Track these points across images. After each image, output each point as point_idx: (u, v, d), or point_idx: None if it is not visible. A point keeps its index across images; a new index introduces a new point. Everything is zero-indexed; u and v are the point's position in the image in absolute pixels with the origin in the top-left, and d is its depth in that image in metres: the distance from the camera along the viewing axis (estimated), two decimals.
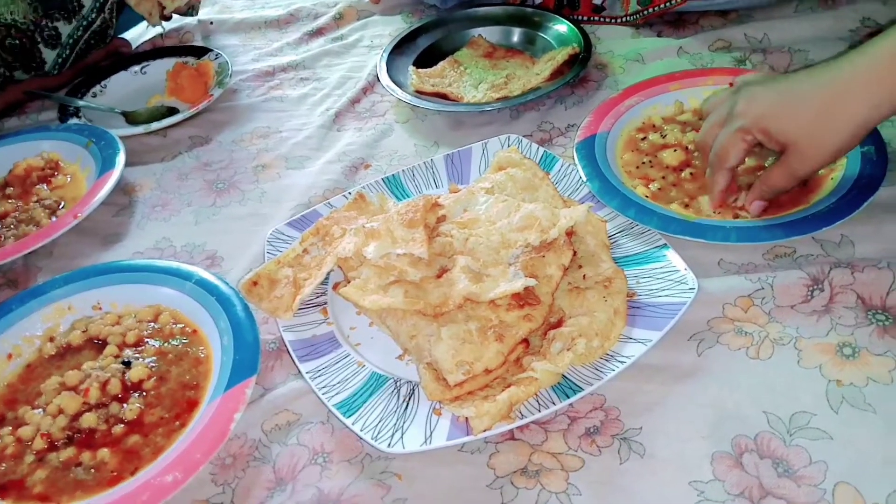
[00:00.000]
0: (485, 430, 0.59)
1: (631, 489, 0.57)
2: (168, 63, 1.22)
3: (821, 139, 0.67)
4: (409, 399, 0.64)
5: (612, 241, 0.76)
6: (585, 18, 1.18)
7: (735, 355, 0.65)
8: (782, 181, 0.72)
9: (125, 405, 0.67)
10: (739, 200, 0.77)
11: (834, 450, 0.57)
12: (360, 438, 0.62)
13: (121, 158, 0.98)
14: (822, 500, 0.54)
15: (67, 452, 0.64)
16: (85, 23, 1.19)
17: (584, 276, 0.71)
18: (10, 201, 0.99)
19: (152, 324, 0.75)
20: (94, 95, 1.20)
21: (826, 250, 0.72)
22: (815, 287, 0.69)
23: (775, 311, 0.68)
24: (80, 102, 1.16)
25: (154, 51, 1.29)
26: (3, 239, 0.92)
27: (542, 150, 0.88)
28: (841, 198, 0.73)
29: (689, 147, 0.86)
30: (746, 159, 0.77)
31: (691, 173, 0.83)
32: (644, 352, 0.64)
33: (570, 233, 0.73)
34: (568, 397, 0.62)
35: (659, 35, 1.12)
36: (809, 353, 0.64)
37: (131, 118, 1.13)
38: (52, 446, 0.65)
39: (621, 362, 0.63)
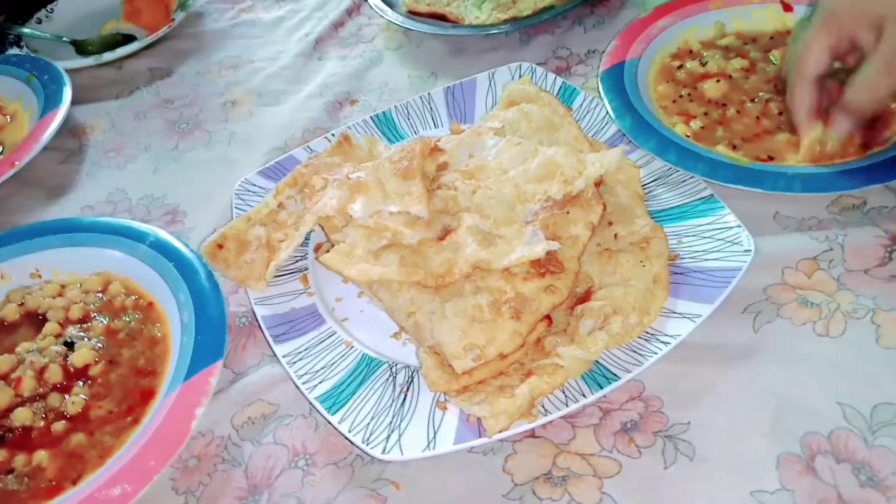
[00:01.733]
0: (501, 431, 0.48)
1: (679, 501, 0.47)
2: None
3: None
4: (408, 389, 0.53)
5: (647, 191, 0.64)
6: None
7: (799, 332, 0.55)
8: (878, 81, 0.58)
9: (67, 396, 0.56)
10: (831, 142, 0.63)
11: None
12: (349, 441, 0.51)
13: (67, 94, 0.86)
14: None
15: None
16: None
17: (615, 235, 0.60)
18: None
19: (100, 295, 0.63)
20: (39, 21, 1.06)
21: None
22: (894, 246, 0.57)
23: (846, 276, 0.57)
24: (23, 29, 1.02)
25: None
26: None
27: (559, 80, 0.76)
28: None
29: (735, 77, 0.73)
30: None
31: (738, 110, 0.70)
32: (691, 329, 0.53)
33: (598, 183, 0.60)
34: (601, 387, 0.51)
35: None
36: (891, 328, 0.54)
37: (82, 48, 0.99)
38: None
39: (664, 343, 0.53)
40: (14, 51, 0.98)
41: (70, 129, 0.87)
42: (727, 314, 0.56)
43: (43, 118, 0.83)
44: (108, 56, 0.94)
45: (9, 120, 0.89)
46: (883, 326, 0.53)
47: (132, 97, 0.91)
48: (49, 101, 0.85)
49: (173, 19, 0.98)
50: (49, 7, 1.06)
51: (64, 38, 1.00)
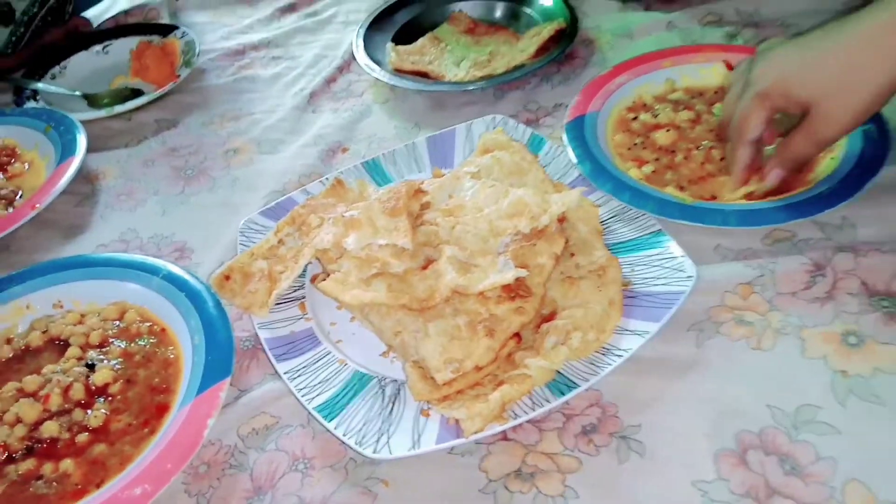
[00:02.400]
0: (476, 432, 0.56)
1: (631, 491, 0.54)
2: (131, 42, 1.15)
3: (846, 96, 0.63)
4: (395, 400, 0.60)
5: (605, 226, 0.72)
6: None
7: (736, 346, 0.62)
8: (805, 147, 0.67)
9: (89, 411, 0.63)
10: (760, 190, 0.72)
11: (842, 445, 0.54)
12: (344, 444, 0.58)
13: (82, 144, 0.93)
14: (831, 499, 0.51)
15: (27, 464, 0.60)
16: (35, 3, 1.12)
17: (576, 265, 0.68)
18: None
19: (117, 323, 0.70)
20: (53, 77, 1.13)
21: (827, 234, 0.69)
22: (818, 273, 0.66)
23: (777, 298, 0.65)
24: (38, 85, 1.09)
25: (116, 29, 1.22)
26: None
27: (529, 130, 0.84)
28: (842, 179, 0.70)
29: (682, 127, 0.82)
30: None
31: (685, 156, 0.79)
32: (641, 344, 0.60)
33: (561, 219, 0.69)
34: (563, 394, 0.58)
35: (647, 9, 1.08)
36: (813, 342, 0.61)
37: (93, 101, 1.06)
38: (10, 458, 0.60)
39: (618, 356, 0.60)
40: (31, 104, 1.06)
41: (84, 175, 0.94)
42: (674, 332, 0.63)
43: (60, 165, 0.90)
44: (118, 108, 1.02)
45: (27, 168, 0.96)
46: (807, 341, 0.61)
47: (141, 146, 0.99)
48: (66, 150, 0.92)
49: (179, 75, 1.06)
50: (62, 64, 1.14)
51: (76, 93, 1.08)
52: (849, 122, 0.65)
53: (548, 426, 0.59)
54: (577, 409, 0.60)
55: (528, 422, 0.59)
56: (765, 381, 0.59)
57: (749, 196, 0.72)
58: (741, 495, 0.53)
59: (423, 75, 1.01)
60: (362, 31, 1.08)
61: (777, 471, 0.54)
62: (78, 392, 0.64)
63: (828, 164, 0.74)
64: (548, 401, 0.58)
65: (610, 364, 0.59)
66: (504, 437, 0.59)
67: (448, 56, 1.05)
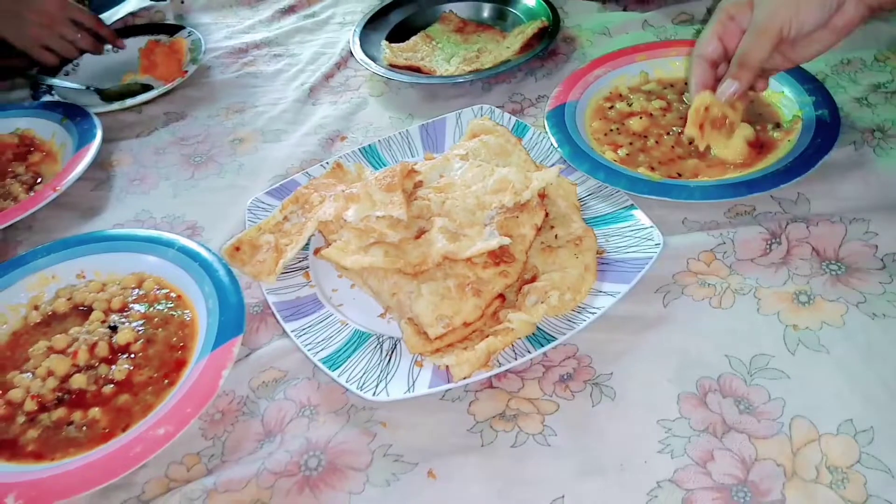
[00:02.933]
0: (465, 378, 0.62)
1: (603, 429, 0.61)
2: (140, 41, 1.22)
3: None
4: (392, 353, 0.67)
5: (582, 203, 0.79)
6: None
7: (699, 305, 0.69)
8: (754, 45, 0.73)
9: (113, 367, 0.69)
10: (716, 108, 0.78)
11: (791, 387, 0.61)
12: (346, 390, 0.64)
13: (98, 132, 0.99)
14: (780, 433, 0.58)
15: (58, 413, 0.66)
16: None
17: (555, 235, 0.75)
18: None
19: (136, 290, 0.76)
20: (67, 74, 1.20)
21: (783, 207, 0.76)
22: (774, 241, 0.73)
23: (736, 264, 0.72)
24: (54, 80, 1.15)
25: (126, 29, 1.29)
26: None
27: (513, 119, 0.91)
28: (796, 158, 0.78)
29: (654, 114, 0.90)
30: None
31: (656, 140, 0.86)
32: (613, 303, 0.67)
33: (542, 195, 0.76)
34: (542, 346, 0.65)
35: (625, 9, 1.16)
36: (768, 301, 0.68)
37: (105, 95, 1.13)
38: (43, 407, 0.66)
39: (592, 313, 0.67)
40: (47, 98, 1.12)
41: (99, 163, 1.00)
42: (643, 293, 0.70)
43: (77, 152, 0.97)
44: (130, 101, 1.09)
45: (44, 156, 1.02)
46: (762, 300, 0.68)
47: (151, 136, 1.05)
48: (82, 139, 0.99)
49: (186, 71, 1.13)
50: (75, 61, 1.21)
51: (90, 87, 1.14)
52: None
53: (529, 375, 0.66)
54: (556, 361, 0.66)
55: (511, 371, 0.65)
56: (724, 334, 0.66)
57: (698, 123, 0.79)
58: (701, 431, 0.59)
59: (416, 70, 1.08)
60: (358, 30, 1.15)
61: (733, 410, 0.60)
62: (103, 349, 0.70)
63: (785, 145, 0.81)
64: (529, 352, 0.65)
65: (585, 320, 0.66)
66: (489, 384, 0.65)
67: (439, 53, 1.12)
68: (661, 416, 0.61)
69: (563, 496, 0.57)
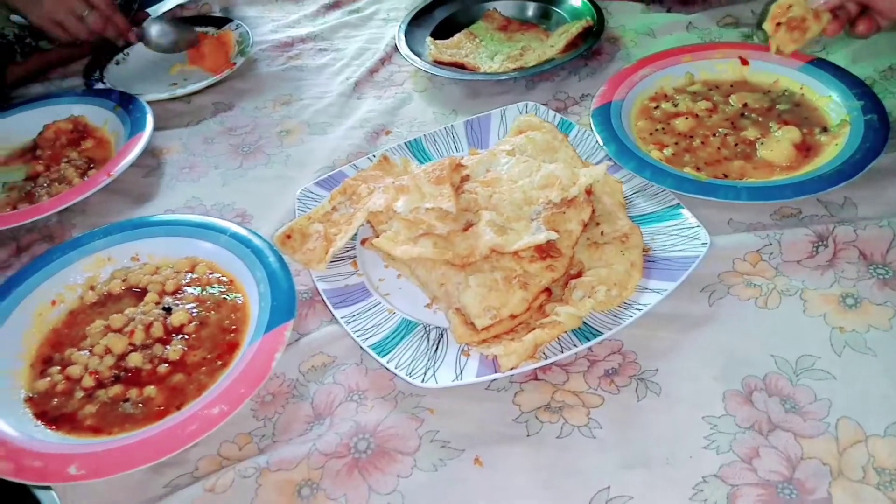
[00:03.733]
0: (512, 369, 0.63)
1: (648, 423, 0.62)
2: (192, 32, 1.24)
3: None
4: (439, 342, 0.68)
5: (627, 201, 0.80)
6: None
7: (745, 305, 0.69)
8: None
9: (168, 347, 0.71)
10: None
11: (837, 388, 0.61)
12: (395, 376, 0.66)
13: (150, 120, 1.02)
14: (826, 433, 0.59)
15: (115, 389, 0.68)
16: None
17: (601, 232, 0.75)
18: (40, 163, 1.02)
19: (189, 274, 0.78)
20: (117, 63, 1.23)
21: (830, 211, 0.77)
22: (820, 244, 0.73)
23: (782, 265, 0.72)
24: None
25: (179, 20, 1.31)
26: (37, 197, 0.95)
27: (558, 116, 0.92)
28: (844, 162, 0.78)
29: (700, 115, 0.90)
30: None
31: (702, 141, 0.87)
32: (659, 300, 0.68)
33: (588, 191, 0.77)
34: (588, 340, 0.66)
35: (669, 11, 1.16)
36: (814, 303, 0.68)
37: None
38: (100, 384, 0.69)
39: (638, 310, 0.68)
40: (99, 86, 1.15)
41: (149, 150, 1.02)
42: (689, 292, 0.71)
43: (130, 140, 1.00)
44: (179, 91, 1.12)
45: (97, 142, 1.05)
46: (808, 301, 0.69)
47: (200, 125, 1.08)
48: (135, 126, 1.01)
49: (234, 63, 1.16)
50: (125, 51, 1.24)
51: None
52: None
53: (574, 369, 0.67)
54: (601, 356, 0.67)
55: (557, 365, 0.66)
56: (770, 335, 0.66)
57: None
58: (746, 428, 0.60)
59: (460, 66, 1.09)
60: (404, 26, 1.16)
61: (779, 409, 0.61)
62: (157, 330, 0.72)
63: (832, 149, 0.81)
64: (575, 346, 0.66)
65: (631, 316, 0.67)
66: (535, 376, 0.66)
67: (483, 50, 1.13)
68: (707, 412, 0.61)
69: (608, 487, 0.58)
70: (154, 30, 1.17)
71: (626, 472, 0.58)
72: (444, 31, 1.18)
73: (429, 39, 1.15)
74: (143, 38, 1.17)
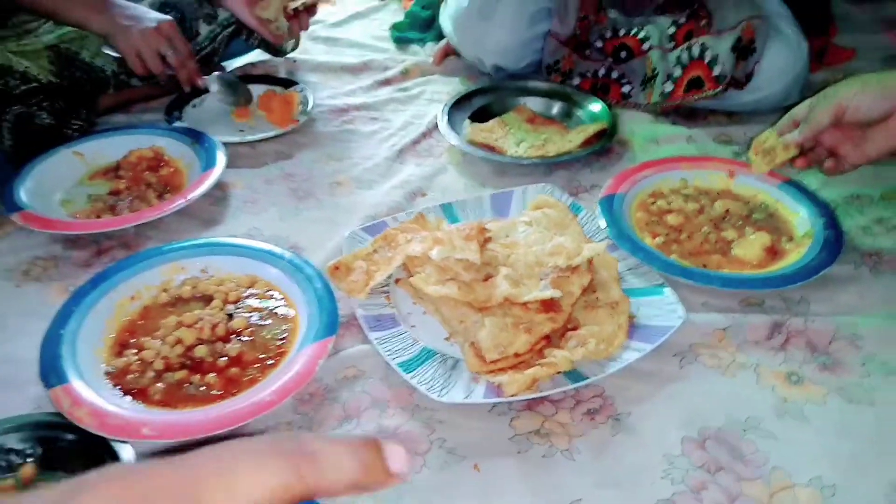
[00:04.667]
0: (513, 396, 0.77)
1: (619, 454, 0.75)
2: (260, 89, 1.43)
3: None
4: (454, 369, 0.82)
5: (621, 276, 0.96)
6: (614, 102, 1.41)
7: (708, 371, 0.84)
8: (817, 108, 0.91)
9: (228, 345, 0.85)
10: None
11: (775, 445, 0.75)
12: (415, 391, 0.80)
13: (221, 157, 1.18)
14: (761, 478, 0.72)
15: (181, 374, 0.81)
16: (197, 48, 1.41)
17: (597, 297, 0.91)
18: (122, 182, 1.18)
19: (250, 289, 0.93)
20: (194, 106, 1.41)
21: (788, 305, 0.92)
22: (776, 330, 0.88)
23: (743, 344, 0.87)
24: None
25: (250, 77, 1.51)
26: (118, 210, 1.11)
27: (571, 199, 1.08)
28: (803, 266, 0.94)
29: (689, 215, 1.07)
30: None
31: (688, 235, 1.03)
32: (638, 357, 0.82)
33: (590, 263, 0.92)
34: (576, 382, 0.80)
35: (673, 123, 1.35)
36: (766, 376, 0.83)
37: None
38: (168, 367, 0.82)
39: (620, 363, 0.82)
40: (178, 123, 1.33)
41: (218, 185, 1.19)
42: (663, 355, 0.85)
43: (203, 173, 1.16)
44: (248, 137, 1.29)
45: (172, 171, 1.22)
46: (761, 375, 0.83)
47: (263, 168, 1.24)
48: (209, 161, 1.18)
49: (297, 120, 1.34)
50: (202, 97, 1.43)
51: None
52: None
53: (562, 405, 0.80)
54: (585, 397, 0.81)
55: (548, 399, 0.80)
56: (726, 397, 0.81)
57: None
58: (698, 467, 0.73)
59: (490, 148, 1.27)
60: (447, 108, 1.35)
61: (726, 456, 0.74)
62: (221, 330, 0.86)
63: (795, 255, 0.97)
64: (565, 385, 0.80)
65: (613, 367, 0.81)
66: (529, 406, 0.80)
67: (511, 137, 1.31)
68: (667, 451, 0.75)
69: (580, 499, 0.71)
70: (214, 85, 1.36)
71: (597, 490, 0.72)
72: (480, 117, 1.37)
73: (467, 121, 1.34)
74: (208, 88, 1.35)
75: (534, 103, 1.41)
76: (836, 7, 1.72)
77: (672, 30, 1.37)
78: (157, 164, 1.23)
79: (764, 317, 0.90)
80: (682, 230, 1.04)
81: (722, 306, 0.93)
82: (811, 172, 1.15)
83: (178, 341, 0.84)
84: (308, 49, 1.69)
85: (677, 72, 1.33)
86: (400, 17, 1.82)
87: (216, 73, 1.40)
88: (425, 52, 1.68)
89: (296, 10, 1.37)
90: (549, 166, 1.23)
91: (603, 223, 1.03)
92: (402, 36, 1.76)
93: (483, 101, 1.41)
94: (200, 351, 0.84)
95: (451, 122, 1.33)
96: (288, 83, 1.46)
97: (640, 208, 1.09)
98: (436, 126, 1.33)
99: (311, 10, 1.42)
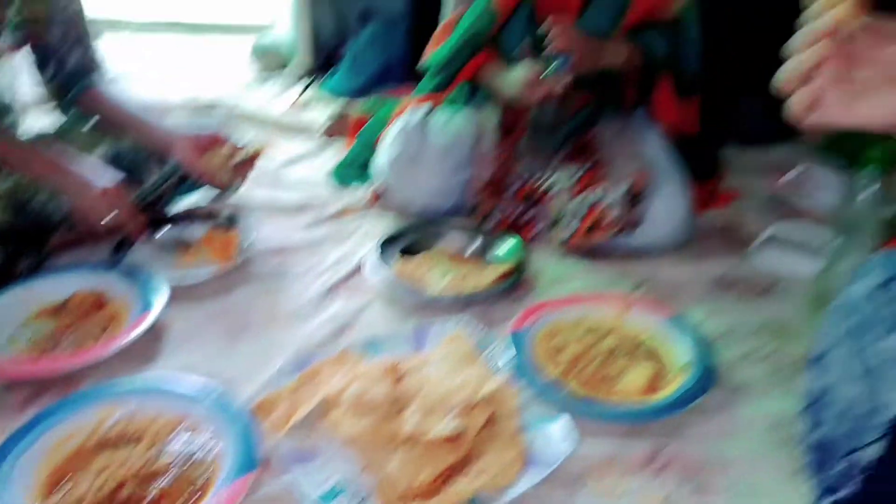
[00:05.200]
0: None
1: None
2: (203, 227, 1.55)
3: None
4: (368, 497, 0.90)
5: (523, 405, 1.07)
6: (528, 241, 1.57)
7: (595, 498, 0.94)
8: None
9: (152, 485, 0.92)
10: None
11: None
12: None
13: (162, 297, 1.28)
14: None
15: None
16: (146, 193, 1.54)
17: (497, 429, 1.01)
18: (66, 319, 1.26)
19: (177, 428, 1.00)
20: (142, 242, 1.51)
21: (666, 431, 1.04)
22: (654, 457, 1.00)
23: (626, 468, 0.98)
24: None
25: (194, 214, 1.63)
26: (62, 348, 1.19)
27: (484, 331, 1.21)
28: (679, 397, 1.07)
29: (586, 348, 1.20)
30: None
31: (584, 367, 1.16)
32: (531, 486, 0.92)
33: (491, 397, 1.03)
34: None
35: (579, 260, 1.51)
36: (644, 497, 0.94)
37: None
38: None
39: (517, 489, 0.91)
40: (124, 261, 1.43)
41: (157, 321, 1.28)
42: (554, 483, 0.95)
43: (143, 313, 1.25)
44: (189, 281, 1.38)
45: (116, 309, 1.31)
46: (640, 495, 0.94)
47: (202, 304, 1.33)
48: (149, 300, 1.28)
49: (237, 258, 1.45)
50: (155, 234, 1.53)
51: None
52: None
53: None
54: None
55: None
56: None
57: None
58: None
59: (417, 281, 1.40)
60: (379, 244, 1.49)
61: None
62: (147, 470, 0.93)
63: (674, 385, 1.10)
64: None
65: (510, 495, 0.91)
66: None
67: (436, 271, 1.45)
68: None
69: None
70: (156, 243, 1.50)
71: None
72: (412, 250, 1.51)
73: (397, 255, 1.48)
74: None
75: (457, 240, 1.56)
76: (725, 153, 1.96)
77: (576, 177, 1.56)
78: (99, 305, 1.31)
79: (644, 444, 1.01)
80: (578, 362, 1.17)
81: (609, 433, 1.04)
82: (693, 306, 1.32)
83: (106, 481, 0.91)
84: (252, 189, 1.82)
85: (580, 214, 1.51)
86: (342, 158, 1.98)
87: (159, 233, 1.52)
88: (364, 191, 1.83)
89: (240, 160, 1.53)
90: (465, 302, 1.36)
91: (509, 356, 1.15)
92: (343, 175, 1.91)
93: (414, 237, 1.55)
94: (127, 489, 0.90)
95: (384, 255, 1.46)
96: (231, 221, 1.59)
97: (542, 342, 1.22)
98: (367, 263, 1.46)
99: (252, 159, 1.57)
